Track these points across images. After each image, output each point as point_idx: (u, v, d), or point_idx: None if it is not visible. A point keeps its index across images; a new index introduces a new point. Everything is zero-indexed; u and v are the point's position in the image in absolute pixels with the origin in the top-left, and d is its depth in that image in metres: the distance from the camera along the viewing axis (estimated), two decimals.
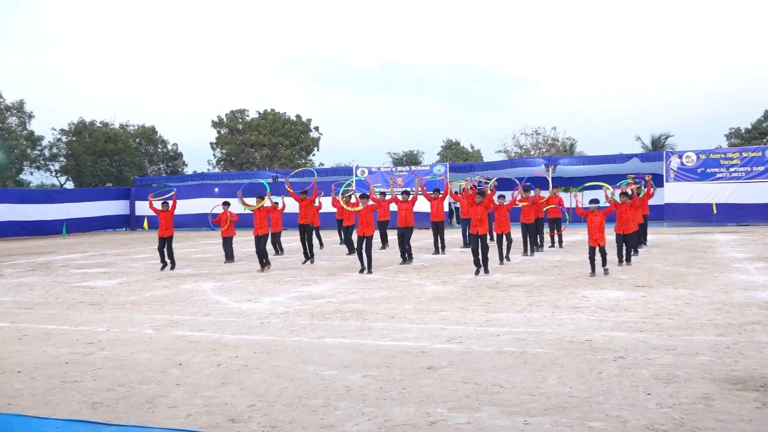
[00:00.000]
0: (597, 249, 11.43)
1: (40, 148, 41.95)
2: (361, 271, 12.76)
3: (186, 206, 31.67)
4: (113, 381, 5.64)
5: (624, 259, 12.86)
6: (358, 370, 5.72)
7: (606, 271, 11.32)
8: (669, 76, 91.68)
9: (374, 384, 5.33)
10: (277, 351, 6.51)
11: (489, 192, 12.83)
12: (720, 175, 24.46)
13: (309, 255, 14.96)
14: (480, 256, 11.91)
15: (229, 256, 15.68)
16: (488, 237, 12.17)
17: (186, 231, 31.03)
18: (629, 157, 26.65)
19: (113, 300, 10.24)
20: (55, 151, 43.00)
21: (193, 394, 5.23)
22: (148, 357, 6.43)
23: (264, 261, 13.65)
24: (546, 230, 17.10)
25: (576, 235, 20.71)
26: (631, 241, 13.06)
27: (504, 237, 13.69)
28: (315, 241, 18.58)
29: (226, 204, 16.01)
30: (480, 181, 17.16)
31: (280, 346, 6.74)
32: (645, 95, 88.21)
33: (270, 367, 5.91)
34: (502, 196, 14.11)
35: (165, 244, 14.32)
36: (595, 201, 11.79)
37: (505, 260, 13.58)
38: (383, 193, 18.97)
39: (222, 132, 49.24)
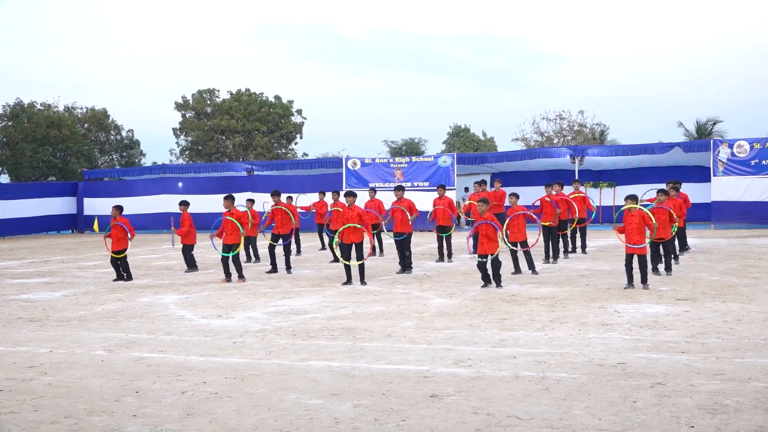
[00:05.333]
0: (636, 258, 11.40)
1: None
2: (346, 283, 12.79)
3: (143, 204, 31.65)
4: (58, 412, 5.64)
5: (663, 267, 12.90)
6: (348, 399, 5.73)
7: (646, 287, 11.25)
8: (718, 52, 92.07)
9: (368, 415, 5.34)
10: (253, 376, 6.53)
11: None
12: None
13: (287, 265, 15.02)
14: (490, 273, 11.92)
15: (191, 265, 15.71)
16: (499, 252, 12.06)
17: (144, 234, 30.98)
18: (670, 146, 26.71)
19: (58, 316, 10.23)
20: None
21: (152, 427, 5.23)
22: (99, 383, 6.44)
23: (238, 273, 13.66)
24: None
25: (606, 240, 20.77)
26: (669, 247, 13.09)
27: (519, 246, 13.66)
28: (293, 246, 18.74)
29: (184, 204, 15.97)
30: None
31: (256, 370, 6.75)
32: (689, 74, 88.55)
33: (244, 396, 5.92)
34: (514, 195, 14.08)
35: (118, 258, 14.29)
36: (632, 197, 11.66)
37: (531, 272, 13.57)
38: (374, 189, 18.99)
39: (187, 116, 49.21)
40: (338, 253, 13.04)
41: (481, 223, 11.84)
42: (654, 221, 11.36)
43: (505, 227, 13.11)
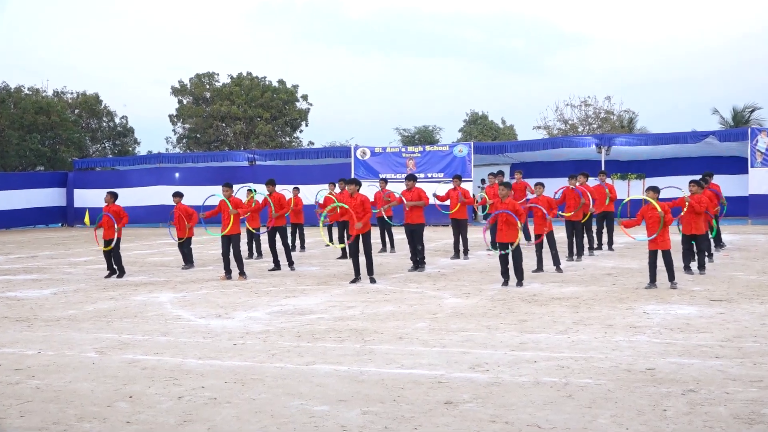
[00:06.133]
0: (659, 254, 11.39)
1: None
2: (354, 280, 12.81)
3: (138, 196, 31.75)
4: (46, 417, 5.66)
5: (696, 266, 12.85)
6: (356, 405, 5.74)
7: (674, 286, 11.25)
8: (757, 32, 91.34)
9: (377, 423, 5.35)
10: (254, 380, 6.54)
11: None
12: None
13: (289, 261, 15.03)
14: (511, 266, 11.93)
15: (189, 260, 15.75)
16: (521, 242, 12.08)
17: (138, 228, 31.12)
18: (704, 135, 26.60)
19: (46, 315, 10.29)
20: None
21: None
22: (90, 387, 6.46)
23: (239, 270, 13.67)
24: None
25: (634, 236, 20.69)
26: (702, 244, 13.04)
27: (545, 239, 13.66)
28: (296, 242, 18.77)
29: (178, 195, 16.02)
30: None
31: (257, 374, 6.77)
32: (725, 57, 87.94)
33: (245, 401, 5.93)
34: (540, 185, 14.08)
35: (109, 249, 14.35)
36: (654, 189, 11.66)
37: (555, 268, 13.57)
38: (385, 180, 18.99)
39: (185, 102, 49.34)
40: (325, 237, 13.25)
41: (501, 212, 11.85)
42: (660, 211, 11.24)
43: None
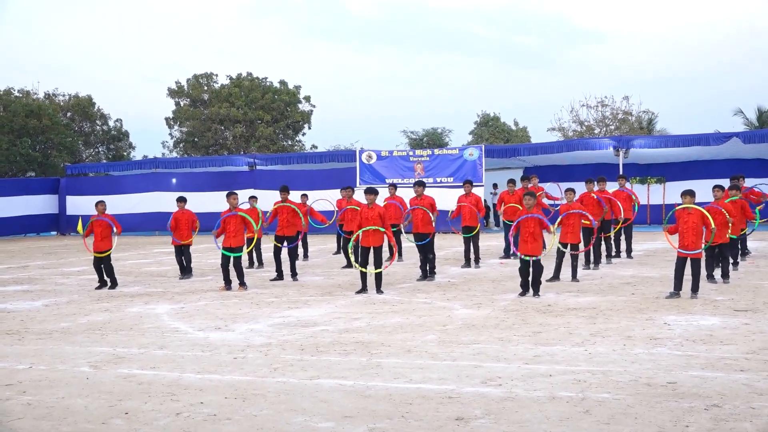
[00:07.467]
0: (689, 262, 11.35)
1: None
2: (360, 291, 12.82)
3: (133, 203, 31.80)
4: None
5: (720, 274, 12.81)
6: (362, 422, 5.75)
7: (694, 297, 11.20)
8: None
9: None
10: (256, 395, 6.55)
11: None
12: None
13: (293, 271, 15.01)
14: (530, 278, 11.94)
15: (187, 269, 15.77)
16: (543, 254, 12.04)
17: (133, 236, 31.17)
18: (727, 136, 26.54)
19: (37, 328, 10.31)
20: None
21: None
22: (84, 403, 6.48)
23: (239, 280, 13.69)
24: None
25: (654, 243, 20.67)
26: (727, 251, 13.00)
27: (569, 249, 13.63)
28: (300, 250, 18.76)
29: (182, 200, 16.06)
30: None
31: (259, 389, 6.78)
32: (749, 54, 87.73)
33: (246, 418, 5.94)
34: (570, 190, 14.02)
35: (102, 260, 14.40)
36: (690, 193, 11.60)
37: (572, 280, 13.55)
38: (394, 185, 19.00)
39: (182, 104, 49.50)
40: (352, 257, 13.09)
41: (526, 217, 11.84)
42: (713, 224, 11.23)
43: (556, 224, 13.13)
